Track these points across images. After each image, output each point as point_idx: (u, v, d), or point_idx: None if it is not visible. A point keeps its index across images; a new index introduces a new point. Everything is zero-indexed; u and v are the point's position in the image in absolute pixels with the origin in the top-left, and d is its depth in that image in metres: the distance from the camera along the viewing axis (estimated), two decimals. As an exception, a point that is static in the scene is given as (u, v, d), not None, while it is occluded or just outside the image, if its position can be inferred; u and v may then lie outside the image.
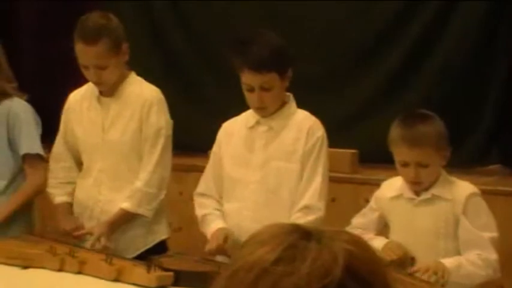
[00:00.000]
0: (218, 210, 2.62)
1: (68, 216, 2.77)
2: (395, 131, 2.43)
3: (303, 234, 0.89)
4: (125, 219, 2.68)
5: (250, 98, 2.53)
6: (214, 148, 2.69)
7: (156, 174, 2.68)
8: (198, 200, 2.68)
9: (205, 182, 2.67)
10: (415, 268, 2.31)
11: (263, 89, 2.49)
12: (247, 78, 2.50)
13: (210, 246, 2.49)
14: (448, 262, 2.32)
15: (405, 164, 2.41)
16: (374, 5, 4.01)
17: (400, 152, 2.42)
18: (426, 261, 2.33)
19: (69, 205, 2.79)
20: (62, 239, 2.68)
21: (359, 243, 0.90)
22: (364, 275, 0.87)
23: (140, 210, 2.68)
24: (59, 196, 2.78)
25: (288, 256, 0.87)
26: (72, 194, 2.80)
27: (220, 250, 2.47)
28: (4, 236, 2.62)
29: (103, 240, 2.57)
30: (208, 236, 2.56)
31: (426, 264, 2.30)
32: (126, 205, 2.66)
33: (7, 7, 4.79)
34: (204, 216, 2.62)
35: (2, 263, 2.49)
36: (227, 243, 2.47)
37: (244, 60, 2.49)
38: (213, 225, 2.56)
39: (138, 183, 2.67)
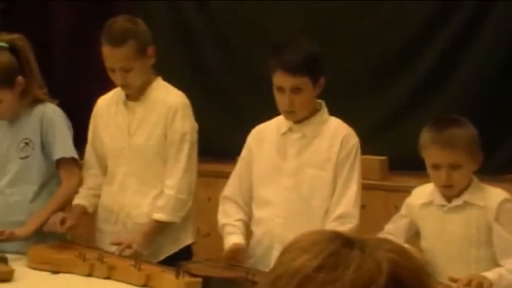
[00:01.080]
0: (239, 220, 2.61)
1: (77, 217, 2.75)
2: (426, 135, 2.42)
3: (345, 242, 0.89)
4: (160, 230, 2.69)
5: (280, 100, 2.52)
6: (244, 153, 2.69)
7: (185, 180, 2.69)
8: (222, 205, 2.68)
9: (232, 186, 2.68)
10: (454, 279, 2.25)
11: (294, 92, 2.48)
12: (279, 80, 2.50)
13: (222, 260, 2.49)
14: (489, 274, 2.28)
15: (437, 167, 2.38)
16: (404, 13, 3.99)
17: (431, 155, 2.39)
18: (466, 273, 2.27)
19: (82, 208, 2.78)
20: (91, 244, 2.70)
21: (403, 252, 0.89)
22: (409, 284, 0.86)
23: (174, 218, 2.69)
24: (75, 199, 2.79)
25: (331, 263, 0.86)
26: (90, 198, 2.80)
27: (232, 261, 2.48)
28: (42, 242, 2.63)
29: (135, 246, 2.57)
30: (225, 247, 2.56)
31: (467, 277, 2.24)
32: (160, 216, 2.67)
33: (39, 14, 4.86)
34: (224, 225, 2.62)
35: (32, 268, 2.52)
36: (236, 258, 2.47)
37: (277, 61, 2.50)
38: (230, 238, 2.56)
39: (169, 191, 2.67)
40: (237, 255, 2.48)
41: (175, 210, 2.68)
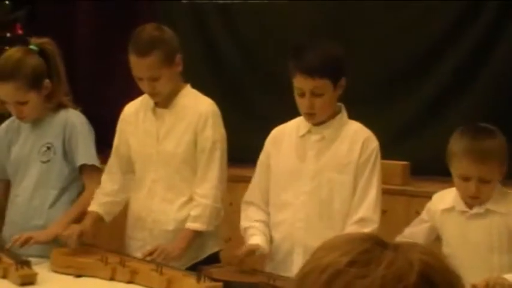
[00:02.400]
0: (259, 221, 2.61)
1: (91, 223, 2.74)
2: (458, 144, 2.36)
3: (378, 242, 0.90)
4: (194, 239, 2.68)
5: (300, 102, 2.52)
6: (262, 157, 2.69)
7: (219, 188, 2.70)
8: (243, 210, 2.68)
9: (252, 191, 2.68)
10: (475, 285, 2.23)
11: (314, 94, 2.48)
12: (299, 82, 2.49)
13: (237, 252, 2.48)
14: (509, 276, 2.25)
15: (466, 179, 2.34)
16: (428, 18, 3.97)
17: (461, 166, 2.34)
18: (484, 277, 2.25)
19: (97, 215, 2.77)
20: (113, 249, 2.71)
21: (434, 254, 0.90)
22: (439, 285, 0.87)
23: (210, 227, 2.69)
24: (91, 205, 2.79)
25: (363, 260, 0.87)
26: (105, 205, 2.79)
27: (245, 260, 2.47)
28: (62, 245, 2.65)
29: (175, 256, 2.57)
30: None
31: (486, 279, 2.22)
32: (198, 226, 2.66)
33: (62, 19, 4.91)
34: (246, 229, 2.62)
35: (56, 271, 2.54)
36: (250, 257, 2.47)
37: (297, 63, 2.49)
38: (251, 239, 2.56)
39: (205, 200, 2.67)
40: (251, 256, 2.47)
41: (211, 219, 2.68)
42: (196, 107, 2.72)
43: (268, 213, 2.64)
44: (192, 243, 2.68)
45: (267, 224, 2.62)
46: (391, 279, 0.85)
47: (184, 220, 2.69)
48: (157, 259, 2.52)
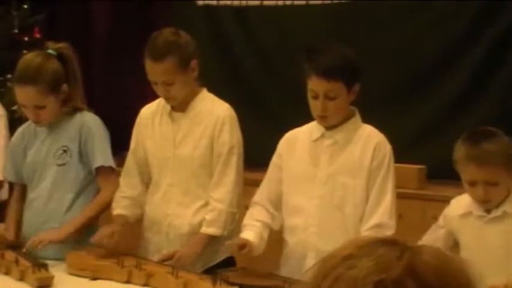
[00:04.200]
0: (259, 221, 2.60)
1: (120, 228, 2.77)
2: (460, 150, 2.37)
3: (393, 242, 0.91)
4: (209, 243, 2.69)
5: (313, 105, 2.51)
6: (274, 158, 2.68)
7: (235, 193, 2.70)
8: (249, 210, 2.68)
9: (261, 192, 2.67)
10: (492, 285, 2.23)
11: (328, 97, 2.46)
12: (314, 85, 2.48)
13: (228, 243, 2.51)
14: None
15: (473, 183, 2.35)
16: (444, 21, 3.95)
17: (467, 171, 2.36)
18: (501, 280, 2.25)
19: (124, 218, 2.80)
20: (130, 252, 2.72)
21: (440, 256, 0.90)
22: (431, 282, 0.86)
23: (225, 232, 2.69)
24: (115, 209, 2.81)
25: (359, 254, 0.88)
26: (129, 207, 2.81)
27: (234, 252, 2.51)
28: (78, 248, 2.66)
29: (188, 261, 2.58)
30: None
31: (504, 282, 2.21)
32: (213, 230, 2.67)
33: (81, 25, 4.94)
34: (245, 226, 2.62)
35: (72, 274, 2.55)
36: (241, 251, 2.49)
37: (312, 66, 2.47)
38: (243, 234, 2.56)
39: (220, 205, 2.67)
40: (240, 246, 2.47)
41: (226, 223, 2.68)
42: (213, 111, 2.72)
43: (273, 215, 2.63)
44: (207, 247, 2.68)
45: (267, 226, 2.62)
46: (376, 269, 0.86)
47: (199, 224, 2.70)
48: (175, 264, 2.53)
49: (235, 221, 2.73)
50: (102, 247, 2.63)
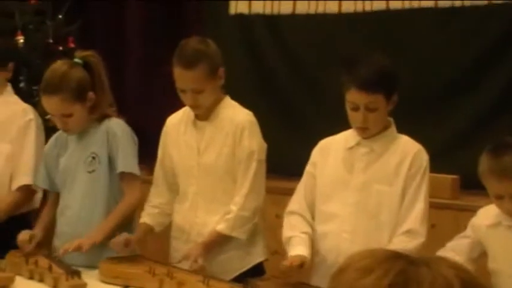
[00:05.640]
0: (305, 233, 2.59)
1: (141, 236, 2.79)
2: (482, 163, 2.35)
3: (409, 260, 0.89)
4: (219, 241, 2.71)
5: (353, 117, 2.51)
6: (308, 167, 2.68)
7: (250, 198, 2.70)
8: (287, 220, 2.66)
9: (298, 201, 2.66)
10: None
11: (368, 109, 2.46)
12: (354, 97, 2.47)
13: (285, 263, 2.45)
14: None
15: (498, 196, 2.32)
16: (476, 31, 3.92)
17: (490, 185, 2.33)
18: None
19: (148, 227, 2.82)
20: (161, 260, 2.73)
21: (462, 267, 0.90)
22: None
23: (234, 233, 2.70)
24: (142, 217, 2.84)
25: (401, 281, 0.87)
26: (155, 216, 2.83)
27: (291, 272, 2.43)
28: (103, 256, 2.68)
29: (200, 261, 2.60)
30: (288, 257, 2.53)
31: None
32: (220, 227, 2.70)
33: (114, 34, 4.99)
34: (290, 238, 2.59)
35: (104, 281, 2.56)
36: (301, 270, 2.43)
37: (352, 78, 2.47)
38: (295, 249, 2.53)
39: (233, 207, 2.69)
40: (299, 266, 2.44)
41: (234, 226, 2.69)
42: (234, 118, 2.73)
43: (312, 225, 2.63)
44: (217, 244, 2.69)
45: (311, 238, 2.61)
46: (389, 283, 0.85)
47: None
48: (193, 266, 2.56)
49: (248, 226, 2.71)
50: (22, 251, 2.67)
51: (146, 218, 2.83)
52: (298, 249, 2.52)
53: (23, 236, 2.74)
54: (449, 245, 2.53)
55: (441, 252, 2.55)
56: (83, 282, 2.47)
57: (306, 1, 4.44)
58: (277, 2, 4.54)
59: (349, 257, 0.93)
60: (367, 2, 4.24)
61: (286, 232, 2.62)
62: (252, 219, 2.72)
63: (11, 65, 3.17)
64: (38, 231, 2.81)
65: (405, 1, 4.14)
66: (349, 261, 0.92)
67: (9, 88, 3.24)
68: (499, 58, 3.86)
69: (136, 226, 2.85)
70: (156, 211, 2.84)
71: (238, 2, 4.66)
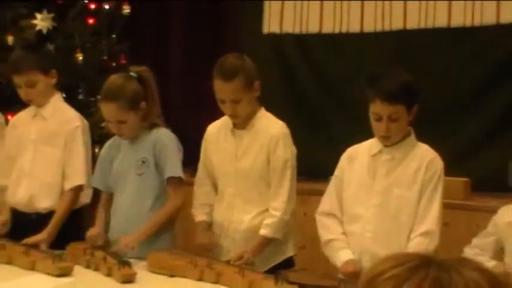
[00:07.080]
0: (343, 234, 2.61)
1: (204, 233, 2.88)
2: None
3: (439, 266, 0.85)
4: (266, 244, 2.75)
5: (377, 126, 2.52)
6: (337, 172, 2.70)
7: (289, 203, 2.75)
8: (321, 220, 2.68)
9: (330, 202, 2.68)
10: None
11: (391, 119, 2.48)
12: (378, 108, 2.49)
13: (346, 270, 2.47)
14: None
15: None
16: (492, 41, 3.90)
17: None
18: None
19: (207, 223, 2.89)
20: (201, 253, 2.77)
21: (485, 269, 0.87)
22: None
23: (277, 235, 2.75)
24: (198, 216, 2.91)
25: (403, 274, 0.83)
26: (210, 213, 2.91)
27: (355, 277, 2.43)
28: (151, 249, 2.73)
29: (246, 256, 2.63)
30: (338, 263, 2.55)
31: None
32: (265, 232, 2.73)
33: (160, 52, 5.06)
34: (330, 241, 2.61)
35: (153, 271, 2.61)
36: (357, 275, 2.44)
37: (377, 91, 2.48)
38: (342, 254, 2.55)
39: (276, 213, 2.73)
40: (358, 271, 2.45)
41: (278, 229, 2.74)
42: (269, 129, 2.77)
43: (343, 224, 2.64)
44: (265, 247, 2.73)
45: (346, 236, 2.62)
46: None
47: (255, 226, 2.76)
48: (236, 259, 2.60)
49: (287, 226, 2.77)
50: (88, 243, 2.74)
51: (203, 216, 2.89)
52: (345, 253, 2.54)
53: (92, 232, 2.81)
54: (475, 242, 2.51)
55: (468, 249, 2.54)
56: (133, 271, 2.51)
57: (332, 21, 4.46)
58: (305, 21, 4.56)
59: (379, 263, 0.87)
60: (386, 22, 4.25)
61: (325, 234, 2.63)
62: (290, 221, 2.77)
63: (53, 71, 3.12)
64: (99, 229, 2.87)
65: (421, 21, 4.14)
66: (381, 268, 0.86)
67: (58, 95, 3.20)
68: (509, 73, 3.83)
69: (175, 225, 2.90)
70: (208, 209, 2.91)
71: (271, 22, 4.70)
